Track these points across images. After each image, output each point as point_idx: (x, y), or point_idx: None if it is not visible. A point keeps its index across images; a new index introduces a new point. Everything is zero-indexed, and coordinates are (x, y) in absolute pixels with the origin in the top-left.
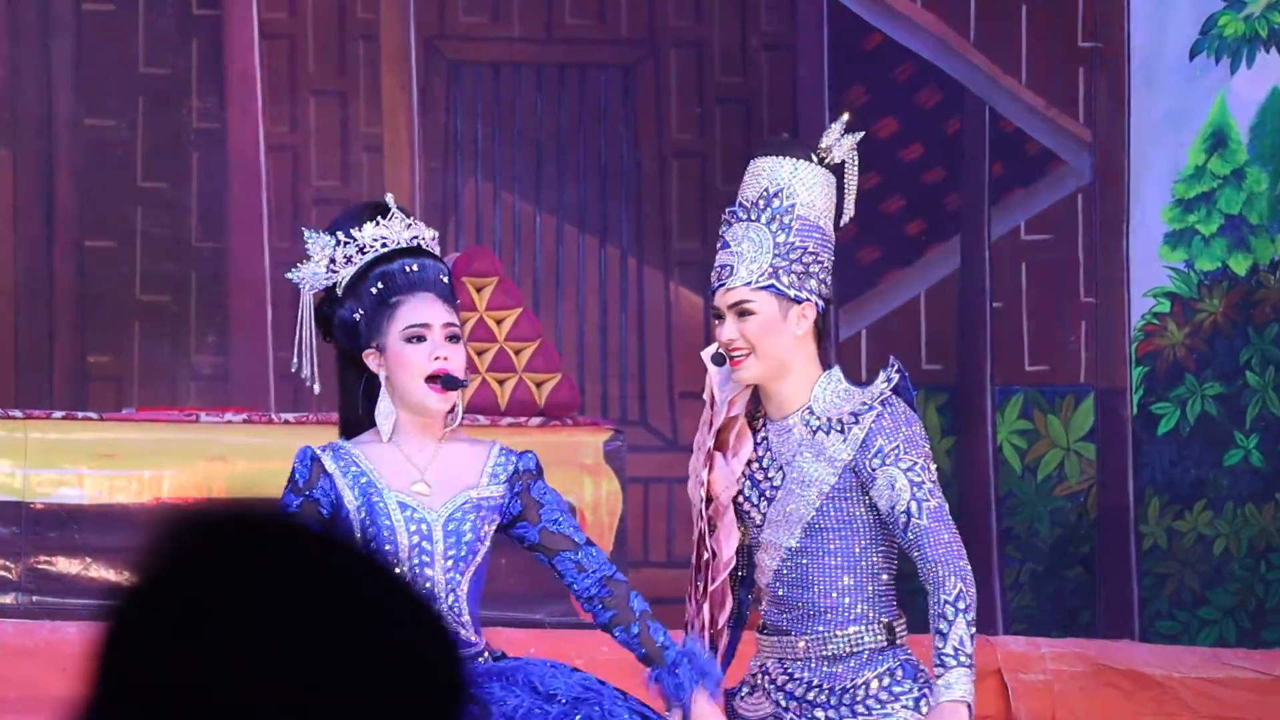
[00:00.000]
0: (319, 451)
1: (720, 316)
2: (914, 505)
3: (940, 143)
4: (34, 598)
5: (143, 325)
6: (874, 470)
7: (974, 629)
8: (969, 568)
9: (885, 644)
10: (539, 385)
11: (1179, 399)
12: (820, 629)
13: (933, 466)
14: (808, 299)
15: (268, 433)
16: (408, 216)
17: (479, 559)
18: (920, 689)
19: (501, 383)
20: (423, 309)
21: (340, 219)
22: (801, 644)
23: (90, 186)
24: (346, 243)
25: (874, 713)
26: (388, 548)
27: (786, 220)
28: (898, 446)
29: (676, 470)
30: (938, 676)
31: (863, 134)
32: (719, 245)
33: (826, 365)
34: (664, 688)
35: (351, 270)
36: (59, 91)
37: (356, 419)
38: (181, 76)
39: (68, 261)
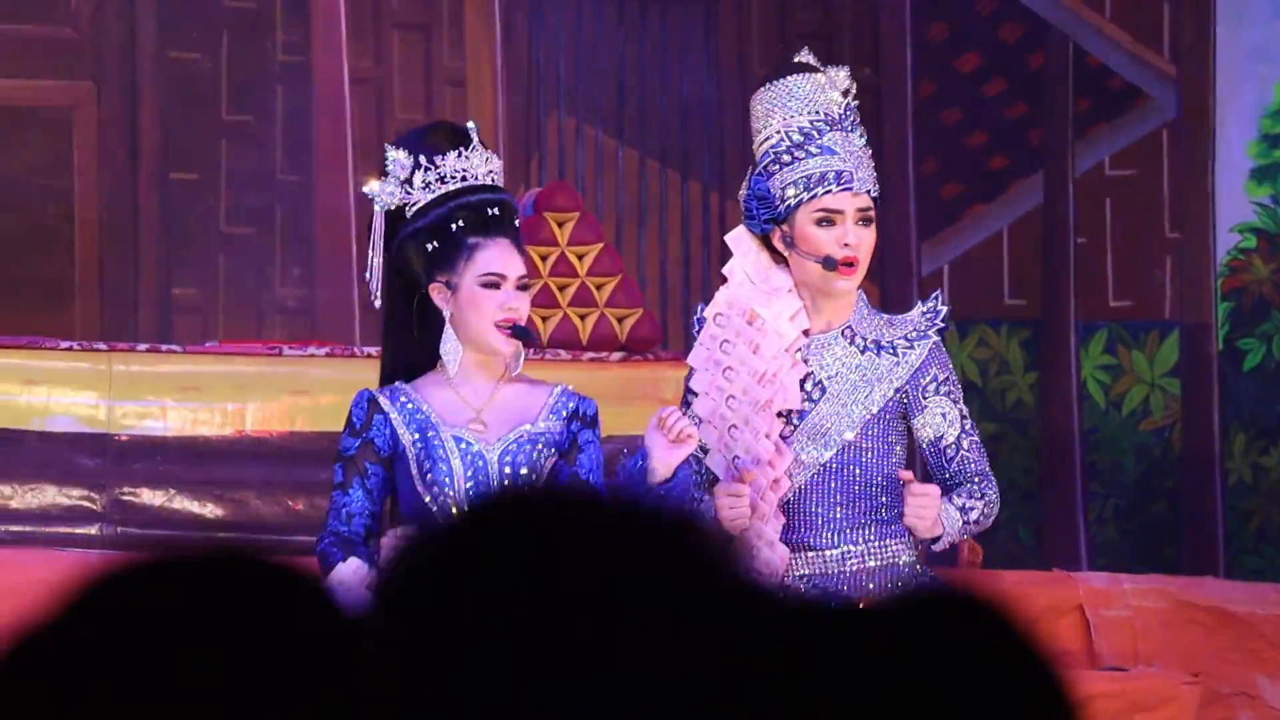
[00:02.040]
0: (375, 393)
1: (828, 221)
2: (964, 439)
3: (1023, 78)
4: (119, 529)
5: (227, 258)
6: (926, 398)
7: (984, 523)
8: (998, 501)
9: (912, 560)
10: (620, 320)
11: (1264, 335)
12: (862, 542)
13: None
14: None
15: (351, 366)
16: (486, 148)
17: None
18: None
19: (583, 318)
20: (501, 257)
21: (421, 140)
22: (834, 561)
23: (175, 119)
24: (427, 168)
25: None
26: (445, 480)
27: (862, 130)
28: (949, 378)
29: None
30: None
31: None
32: (812, 152)
33: None
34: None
35: (429, 196)
36: (142, 24)
37: (405, 345)
38: (266, 10)
39: (152, 194)
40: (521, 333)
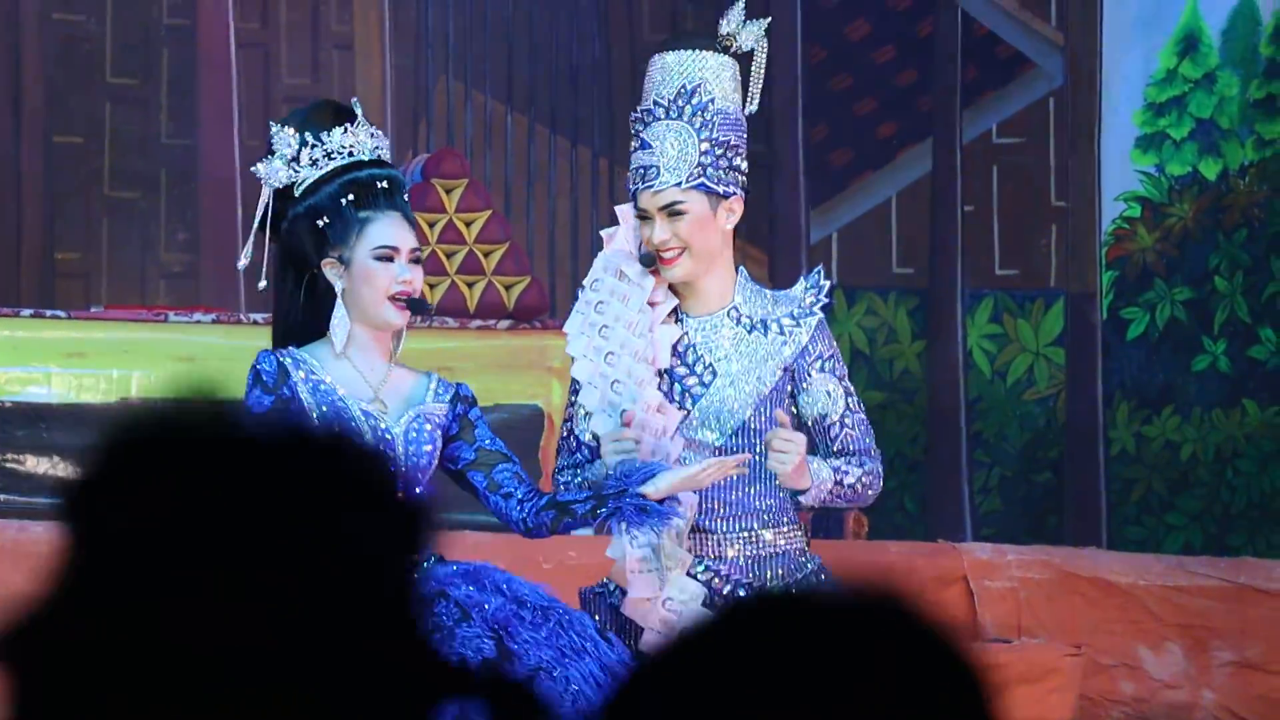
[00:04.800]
0: (280, 356)
1: (646, 217)
2: (848, 416)
3: (912, 45)
4: (2, 496)
5: (111, 222)
6: (810, 375)
7: (861, 493)
8: (881, 476)
9: (803, 544)
10: (508, 288)
11: (1148, 304)
12: (755, 527)
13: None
14: (735, 193)
15: (238, 333)
16: (371, 124)
17: (433, 468)
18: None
19: (470, 285)
20: (393, 230)
21: (306, 117)
22: (732, 544)
23: (58, 81)
24: (313, 145)
25: None
26: None
27: (708, 116)
28: (834, 355)
29: None
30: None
31: (769, 20)
32: (636, 146)
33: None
34: (622, 515)
35: (316, 174)
36: None
37: (296, 323)
38: None
39: (35, 157)
40: (416, 305)
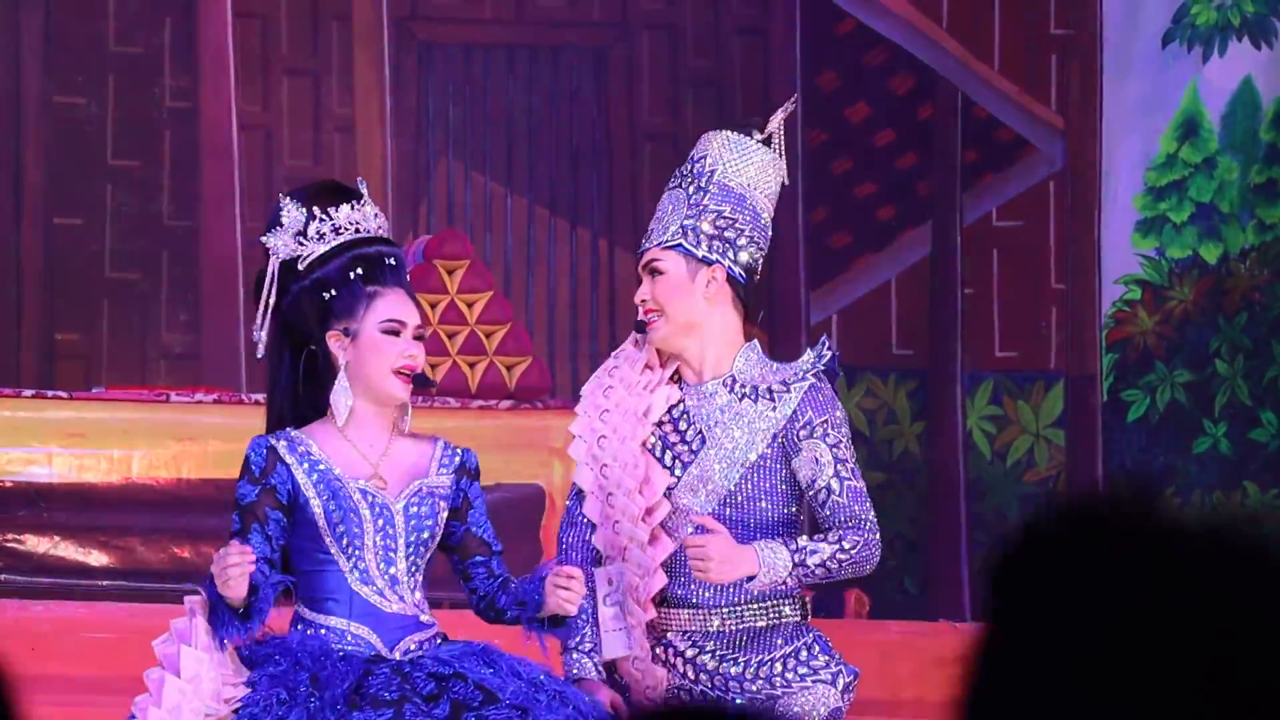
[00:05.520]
0: (273, 440)
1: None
2: (835, 483)
3: (912, 128)
4: (2, 576)
5: (112, 303)
6: (800, 441)
7: (841, 568)
8: (876, 548)
9: (800, 618)
10: (509, 368)
11: (1149, 386)
12: (739, 601)
13: (853, 451)
14: (717, 260)
15: (239, 413)
16: (374, 205)
17: (435, 544)
18: (837, 664)
19: (472, 365)
20: (400, 306)
21: (312, 193)
22: (716, 619)
23: (59, 163)
24: (321, 219)
25: (794, 685)
26: (355, 531)
27: (703, 183)
28: (826, 421)
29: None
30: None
31: (793, 106)
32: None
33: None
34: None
35: (323, 248)
36: (28, 67)
37: (291, 400)
38: (154, 55)
39: (36, 238)
40: (421, 381)
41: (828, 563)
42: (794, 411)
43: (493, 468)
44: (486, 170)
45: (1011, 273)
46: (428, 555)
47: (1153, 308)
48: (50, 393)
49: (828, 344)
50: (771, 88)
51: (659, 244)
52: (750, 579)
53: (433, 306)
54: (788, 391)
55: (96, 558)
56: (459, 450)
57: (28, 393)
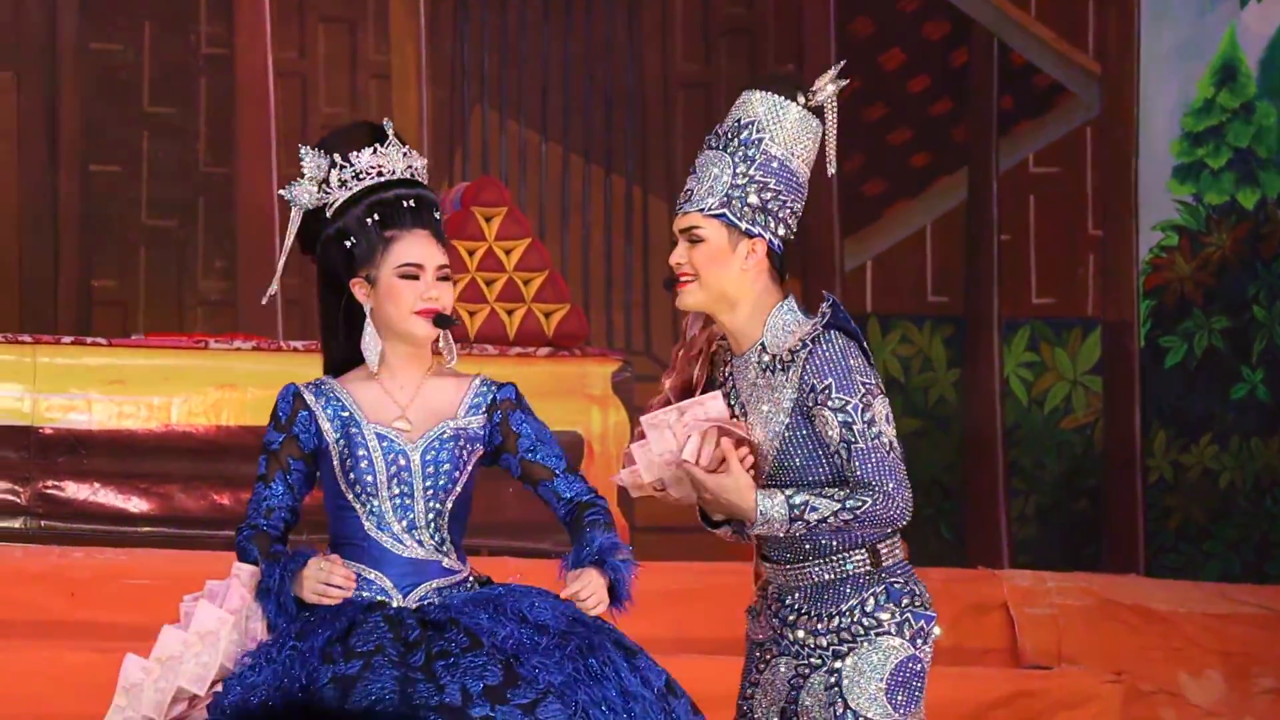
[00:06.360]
0: (301, 388)
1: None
2: (844, 449)
3: (947, 75)
4: (42, 522)
5: (148, 250)
6: (812, 409)
7: (848, 528)
8: (894, 508)
9: (869, 568)
10: (547, 315)
11: (1186, 332)
12: (802, 558)
13: (872, 400)
14: (759, 234)
15: (277, 360)
16: (404, 144)
17: (459, 488)
18: (903, 613)
19: (510, 313)
20: (417, 248)
21: (336, 139)
22: (789, 572)
23: (96, 110)
24: (343, 166)
25: (858, 639)
26: (367, 478)
27: (751, 153)
28: (829, 386)
29: None
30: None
31: (847, 82)
32: (691, 170)
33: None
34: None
35: (345, 195)
36: (64, 15)
37: (337, 343)
38: (190, 1)
39: (73, 185)
40: (443, 320)
41: (830, 519)
42: (801, 380)
43: None
44: (521, 118)
45: (1048, 219)
46: (452, 498)
47: (1190, 254)
48: (90, 340)
49: (829, 300)
50: (805, 36)
51: (700, 209)
52: (750, 524)
53: (470, 253)
54: (793, 362)
55: (136, 504)
56: (494, 387)
57: (67, 340)
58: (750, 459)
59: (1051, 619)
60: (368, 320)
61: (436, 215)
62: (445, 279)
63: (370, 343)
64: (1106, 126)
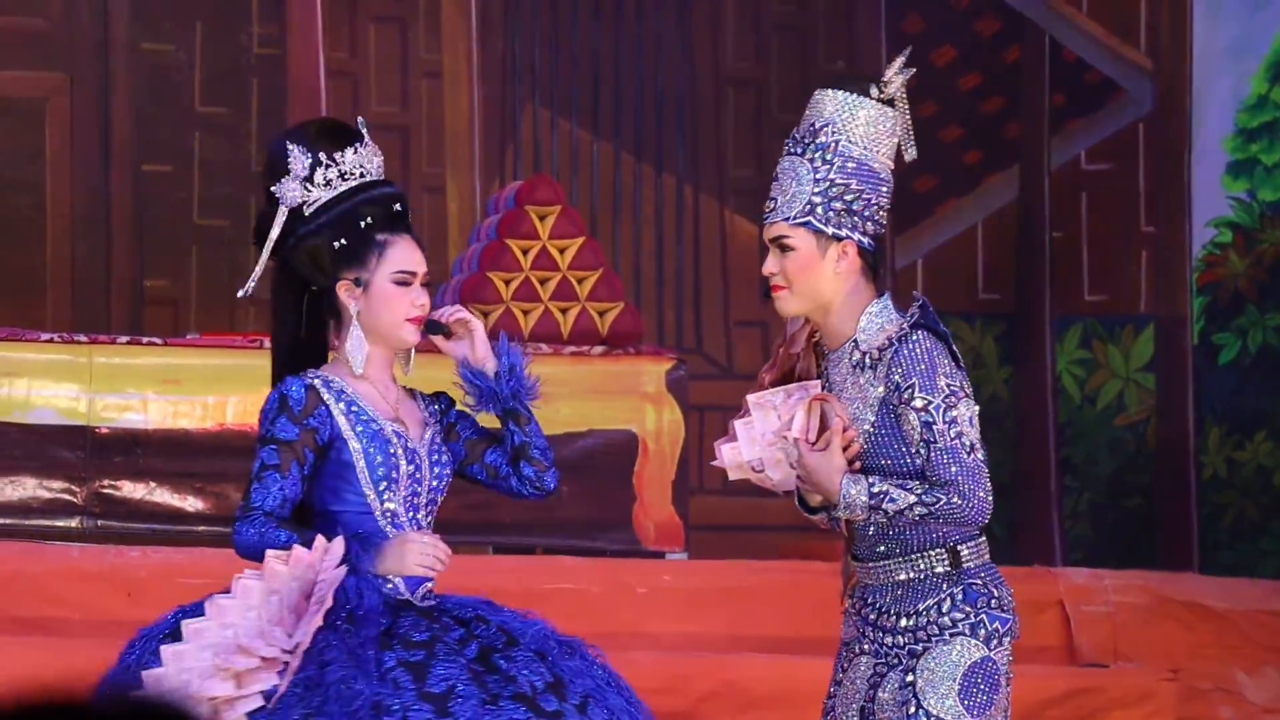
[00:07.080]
0: (311, 380)
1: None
2: (924, 447)
3: (999, 71)
4: (98, 522)
5: (200, 250)
6: (897, 407)
7: (918, 516)
8: (971, 508)
9: (949, 568)
10: (602, 314)
11: (1240, 329)
12: (885, 557)
13: (956, 401)
14: (847, 237)
15: None
16: (374, 145)
17: (446, 489)
18: (979, 613)
19: (564, 311)
20: (411, 255)
21: (313, 136)
22: (873, 570)
23: (147, 111)
24: (328, 165)
25: (933, 639)
26: (393, 475)
27: (829, 156)
28: (912, 385)
29: (731, 398)
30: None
31: (914, 70)
32: (773, 177)
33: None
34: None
35: (329, 194)
36: (115, 16)
37: (294, 343)
38: (241, 1)
39: (125, 185)
40: (433, 327)
41: (906, 512)
42: (887, 378)
43: (586, 413)
44: (572, 116)
45: (1101, 216)
46: (440, 500)
47: (1244, 250)
48: (145, 339)
49: (919, 300)
50: (856, 33)
51: (786, 219)
52: (819, 511)
53: (524, 252)
54: (880, 361)
55: (192, 503)
56: (430, 395)
57: (123, 339)
58: (852, 442)
59: (1107, 617)
60: (354, 323)
61: (409, 218)
62: (426, 285)
63: (356, 345)
64: (1159, 123)
